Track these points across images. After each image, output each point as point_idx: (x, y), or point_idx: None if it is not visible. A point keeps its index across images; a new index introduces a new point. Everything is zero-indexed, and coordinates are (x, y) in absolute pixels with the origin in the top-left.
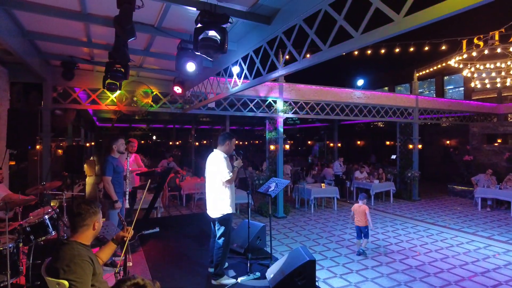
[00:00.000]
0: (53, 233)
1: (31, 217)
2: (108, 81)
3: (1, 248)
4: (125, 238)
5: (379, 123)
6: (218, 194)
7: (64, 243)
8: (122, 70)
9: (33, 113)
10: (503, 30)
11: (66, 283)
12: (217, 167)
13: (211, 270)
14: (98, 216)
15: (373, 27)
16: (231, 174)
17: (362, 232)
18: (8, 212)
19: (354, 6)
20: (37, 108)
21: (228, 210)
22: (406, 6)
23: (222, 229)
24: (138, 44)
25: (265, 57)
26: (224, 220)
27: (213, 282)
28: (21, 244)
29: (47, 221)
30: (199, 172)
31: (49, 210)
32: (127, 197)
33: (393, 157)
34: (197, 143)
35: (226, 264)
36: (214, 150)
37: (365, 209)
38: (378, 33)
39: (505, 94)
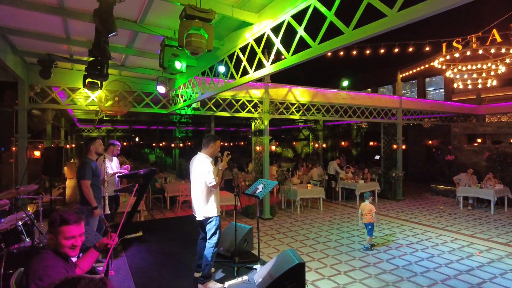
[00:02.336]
0: (27, 240)
1: (3, 223)
2: (89, 80)
3: None
4: (108, 246)
5: (363, 123)
6: (204, 197)
7: (38, 253)
8: (103, 68)
9: (8, 113)
10: (480, 34)
11: None
12: (202, 171)
13: (197, 275)
14: (81, 227)
15: (365, 23)
16: (216, 179)
17: (366, 228)
18: None
19: (345, 2)
20: (12, 108)
21: (214, 212)
22: (399, 2)
23: (212, 231)
24: (119, 41)
25: (253, 56)
26: (212, 222)
27: (200, 286)
28: None
29: (21, 228)
30: (183, 174)
31: (23, 215)
32: (106, 202)
33: (377, 157)
34: (181, 145)
35: (213, 269)
36: (199, 153)
37: (371, 208)
38: (370, 29)
39: (483, 96)
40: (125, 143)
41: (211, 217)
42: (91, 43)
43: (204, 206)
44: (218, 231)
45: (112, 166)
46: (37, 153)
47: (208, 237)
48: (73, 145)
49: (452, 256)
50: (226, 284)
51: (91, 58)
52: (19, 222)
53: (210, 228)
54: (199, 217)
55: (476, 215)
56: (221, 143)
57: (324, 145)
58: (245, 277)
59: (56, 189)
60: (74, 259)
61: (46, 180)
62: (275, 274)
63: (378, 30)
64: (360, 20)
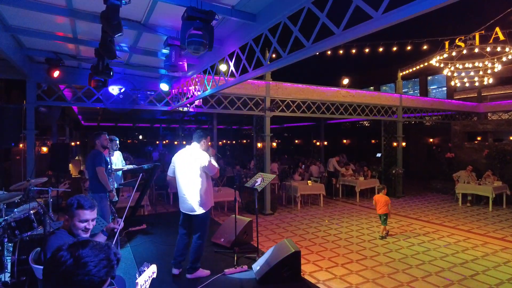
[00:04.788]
0: (39, 228)
1: (16, 212)
2: (94, 78)
3: None
4: (115, 230)
5: (365, 122)
6: (200, 190)
7: (54, 232)
8: (108, 67)
9: (17, 110)
10: (483, 32)
11: None
12: (203, 162)
13: (177, 271)
14: (94, 213)
15: (354, 24)
16: (216, 165)
17: (381, 219)
18: None
19: (336, 4)
20: (21, 105)
21: (209, 205)
22: (384, 4)
23: (204, 225)
24: (124, 41)
25: (251, 55)
26: (205, 216)
27: (188, 276)
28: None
29: (32, 216)
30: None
31: (35, 205)
32: (114, 192)
33: (378, 155)
34: (184, 142)
35: None
36: (189, 146)
37: (387, 199)
38: (358, 29)
39: (484, 94)
40: (128, 141)
41: (206, 212)
42: (97, 43)
43: (200, 199)
44: (208, 227)
45: (114, 159)
46: (44, 149)
47: (197, 232)
48: (78, 142)
49: (448, 250)
50: (225, 271)
51: (97, 57)
52: (31, 211)
53: (203, 222)
54: (194, 211)
55: (474, 211)
56: (224, 141)
57: (325, 143)
58: (244, 266)
59: (62, 184)
60: None
61: (53, 176)
62: (272, 262)
63: (365, 31)
64: (350, 21)
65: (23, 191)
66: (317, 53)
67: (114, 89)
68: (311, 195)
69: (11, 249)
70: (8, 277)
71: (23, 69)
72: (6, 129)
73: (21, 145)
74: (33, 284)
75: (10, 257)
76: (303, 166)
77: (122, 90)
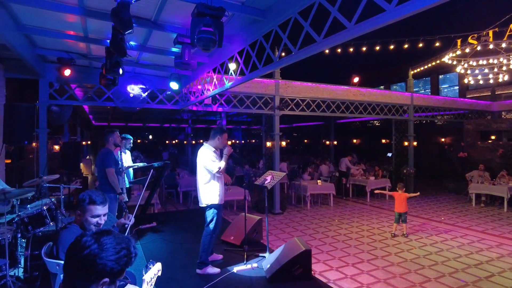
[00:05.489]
0: (51, 224)
1: (29, 208)
2: (105, 77)
3: None
4: (125, 225)
5: (375, 121)
6: (204, 185)
7: (66, 227)
8: (118, 64)
9: (30, 108)
10: (496, 29)
11: None
12: (205, 160)
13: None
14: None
15: (366, 18)
16: (219, 164)
17: (402, 217)
18: (6, 203)
19: None
20: (33, 104)
21: (215, 200)
22: None
23: (209, 218)
24: (134, 39)
25: (261, 52)
26: (211, 209)
27: (198, 271)
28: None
29: (45, 212)
30: (195, 170)
31: (47, 202)
32: (124, 191)
33: (389, 155)
34: (194, 142)
35: (221, 256)
36: (204, 143)
37: (406, 196)
38: (370, 22)
39: (498, 92)
40: (138, 141)
41: (210, 205)
42: (107, 41)
43: (205, 193)
44: (215, 219)
45: (126, 158)
46: (56, 147)
47: (205, 225)
48: (89, 142)
49: (461, 251)
50: (235, 269)
51: (108, 56)
52: (44, 207)
53: (208, 215)
54: (201, 203)
55: (489, 212)
56: (231, 141)
57: (335, 142)
58: (254, 264)
59: (74, 183)
60: None
61: (64, 174)
62: (283, 261)
63: (378, 24)
64: (362, 15)
65: (36, 188)
66: (327, 51)
67: (134, 89)
68: (321, 194)
69: (24, 244)
70: (22, 272)
71: (36, 68)
72: (19, 128)
73: (33, 144)
74: (45, 279)
75: (23, 253)
76: (313, 165)
77: (139, 87)
